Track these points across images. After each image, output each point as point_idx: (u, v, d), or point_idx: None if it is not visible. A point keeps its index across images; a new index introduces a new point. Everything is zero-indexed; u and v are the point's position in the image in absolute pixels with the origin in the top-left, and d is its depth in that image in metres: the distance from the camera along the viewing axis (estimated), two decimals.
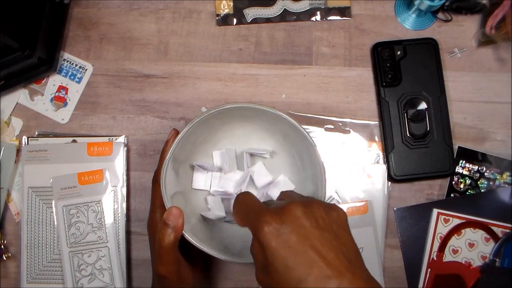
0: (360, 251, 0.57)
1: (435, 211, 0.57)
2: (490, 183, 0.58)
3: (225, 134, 0.53)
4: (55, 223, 0.57)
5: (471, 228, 0.57)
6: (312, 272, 0.34)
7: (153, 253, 0.49)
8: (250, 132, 0.53)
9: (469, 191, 0.58)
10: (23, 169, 0.58)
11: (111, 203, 0.57)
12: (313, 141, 0.46)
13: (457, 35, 0.60)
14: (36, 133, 0.59)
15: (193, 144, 0.51)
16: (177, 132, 0.50)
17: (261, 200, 0.40)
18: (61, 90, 0.60)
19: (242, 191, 0.51)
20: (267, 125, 0.51)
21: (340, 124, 0.59)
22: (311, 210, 0.36)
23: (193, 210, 0.52)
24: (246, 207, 0.39)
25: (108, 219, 0.57)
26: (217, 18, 0.61)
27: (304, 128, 0.46)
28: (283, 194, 0.43)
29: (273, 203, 0.39)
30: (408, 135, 0.57)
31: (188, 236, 0.45)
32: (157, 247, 0.44)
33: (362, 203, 0.57)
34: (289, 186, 0.52)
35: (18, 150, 0.59)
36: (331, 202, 0.44)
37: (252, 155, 0.54)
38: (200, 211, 0.52)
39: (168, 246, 0.43)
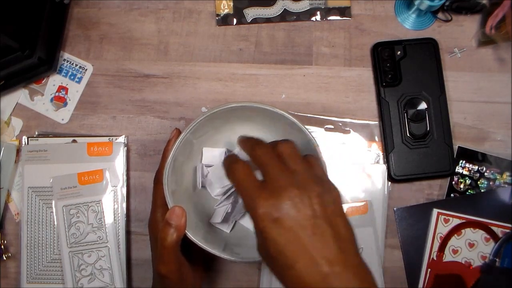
0: (360, 251, 0.58)
1: (435, 211, 0.57)
2: (490, 183, 0.58)
3: (226, 134, 0.53)
4: (55, 223, 0.57)
5: (471, 228, 0.57)
6: (300, 259, 0.35)
7: (154, 253, 0.49)
8: (251, 131, 0.53)
9: (469, 191, 0.58)
10: (23, 169, 0.58)
11: (111, 203, 0.57)
12: (315, 140, 0.46)
13: (457, 35, 0.60)
14: (36, 133, 0.59)
15: (195, 143, 0.51)
16: (179, 132, 0.50)
17: None
18: (61, 90, 0.60)
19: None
20: (268, 124, 0.51)
21: (340, 124, 0.59)
22: (307, 194, 0.36)
23: (195, 209, 0.52)
24: (242, 181, 0.39)
25: (108, 219, 0.57)
26: (217, 18, 0.61)
27: (306, 128, 0.46)
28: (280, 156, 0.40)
29: (270, 178, 0.38)
30: (408, 135, 0.57)
31: (190, 235, 0.45)
32: (159, 247, 0.44)
33: (362, 203, 0.57)
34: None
35: (18, 150, 0.59)
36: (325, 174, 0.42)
37: None
38: (202, 210, 0.52)
39: (170, 246, 0.43)
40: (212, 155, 0.53)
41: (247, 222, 0.53)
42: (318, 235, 0.36)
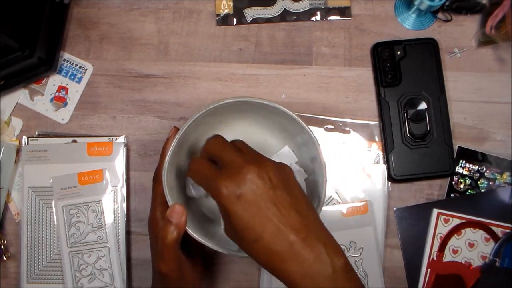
0: (360, 251, 0.58)
1: (435, 211, 0.57)
2: (490, 183, 0.58)
3: (223, 130, 0.53)
4: (55, 223, 0.57)
5: (471, 228, 0.57)
6: (267, 230, 0.37)
7: (154, 251, 0.49)
8: (249, 127, 0.53)
9: (469, 191, 0.58)
10: (23, 169, 0.58)
11: (111, 203, 0.57)
12: (315, 136, 0.46)
13: (457, 35, 0.60)
14: (36, 133, 0.59)
15: (193, 141, 0.51)
16: (177, 130, 0.50)
17: None
18: (61, 90, 0.60)
19: None
20: (265, 120, 0.51)
21: (340, 124, 0.59)
22: (264, 169, 0.39)
23: (194, 206, 0.52)
24: (201, 172, 0.41)
25: (108, 219, 0.57)
26: (217, 18, 0.61)
27: (306, 125, 0.46)
28: (234, 147, 0.43)
29: (226, 162, 0.40)
30: (408, 135, 0.57)
31: (191, 232, 0.45)
32: (159, 245, 0.44)
33: (362, 203, 0.57)
34: (291, 158, 0.52)
35: (18, 150, 0.59)
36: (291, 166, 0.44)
37: None
38: (202, 207, 0.52)
39: (170, 244, 0.43)
40: None
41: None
42: (280, 205, 0.38)
